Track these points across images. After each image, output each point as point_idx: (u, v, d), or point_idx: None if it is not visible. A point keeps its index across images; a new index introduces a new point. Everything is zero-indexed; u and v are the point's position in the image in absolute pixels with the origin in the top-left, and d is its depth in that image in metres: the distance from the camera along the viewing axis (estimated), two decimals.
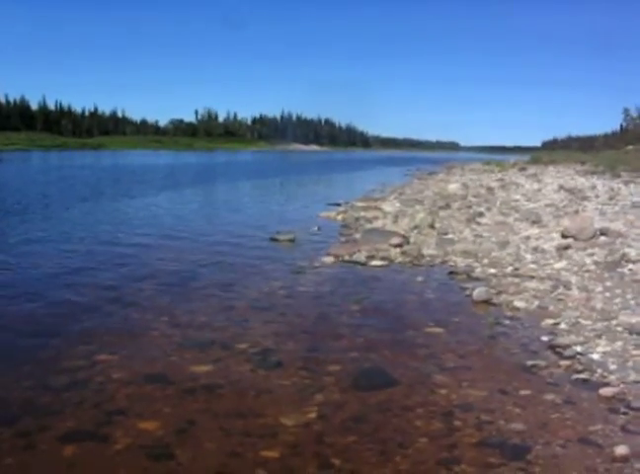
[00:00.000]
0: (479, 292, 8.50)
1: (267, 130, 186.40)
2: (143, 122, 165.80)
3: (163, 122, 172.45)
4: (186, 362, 6.16)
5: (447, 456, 4.35)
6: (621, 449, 4.31)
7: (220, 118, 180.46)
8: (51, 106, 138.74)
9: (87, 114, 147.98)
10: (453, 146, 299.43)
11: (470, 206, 18.19)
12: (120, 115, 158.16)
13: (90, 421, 4.87)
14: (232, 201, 24.35)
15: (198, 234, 14.61)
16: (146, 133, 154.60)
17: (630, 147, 69.43)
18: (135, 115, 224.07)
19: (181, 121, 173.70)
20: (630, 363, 5.89)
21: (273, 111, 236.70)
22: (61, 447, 4.45)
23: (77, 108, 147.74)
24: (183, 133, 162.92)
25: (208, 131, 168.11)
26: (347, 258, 11.30)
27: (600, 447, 4.43)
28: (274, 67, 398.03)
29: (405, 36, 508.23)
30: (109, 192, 26.24)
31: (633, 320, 6.97)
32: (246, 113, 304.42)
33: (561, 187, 23.65)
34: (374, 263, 10.97)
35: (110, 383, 5.63)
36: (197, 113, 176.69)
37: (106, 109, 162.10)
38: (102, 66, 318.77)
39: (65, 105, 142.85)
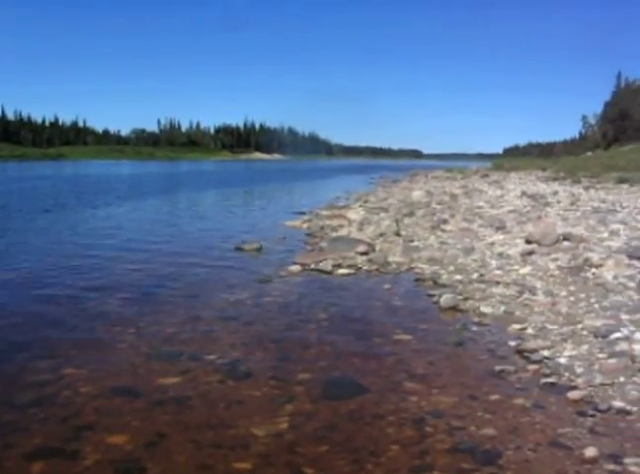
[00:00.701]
0: (446, 299, 8.55)
1: (230, 140, 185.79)
2: (105, 132, 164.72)
3: (125, 132, 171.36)
4: (154, 375, 6.08)
5: (420, 463, 4.36)
6: (590, 451, 4.37)
7: (183, 128, 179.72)
8: (10, 116, 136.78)
9: (47, 124, 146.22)
10: (416, 154, 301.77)
11: (434, 213, 18.30)
12: (81, 124, 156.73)
13: (58, 437, 4.78)
14: (196, 211, 24.20)
15: (162, 244, 14.47)
16: (108, 143, 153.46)
17: (589, 153, 70.73)
18: (97, 124, 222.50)
19: (143, 131, 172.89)
20: (596, 367, 5.96)
21: (236, 120, 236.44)
22: (29, 465, 4.36)
23: (37, 118, 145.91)
24: (145, 143, 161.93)
25: (171, 141, 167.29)
26: (313, 266, 11.29)
27: (570, 450, 4.47)
28: (235, 75, 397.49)
29: (366, 43, 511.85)
30: (71, 202, 25.91)
31: (598, 323, 7.07)
32: (209, 122, 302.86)
33: (523, 193, 23.94)
34: (341, 271, 10.98)
35: (77, 397, 5.54)
36: (159, 122, 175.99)
37: (67, 119, 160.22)
38: (62, 76, 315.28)
39: (25, 115, 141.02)
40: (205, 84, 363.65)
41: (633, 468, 4.18)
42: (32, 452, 4.53)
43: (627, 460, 4.28)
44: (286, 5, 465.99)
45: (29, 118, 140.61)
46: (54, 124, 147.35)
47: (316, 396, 5.59)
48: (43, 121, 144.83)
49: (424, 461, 4.39)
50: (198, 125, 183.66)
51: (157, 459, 4.43)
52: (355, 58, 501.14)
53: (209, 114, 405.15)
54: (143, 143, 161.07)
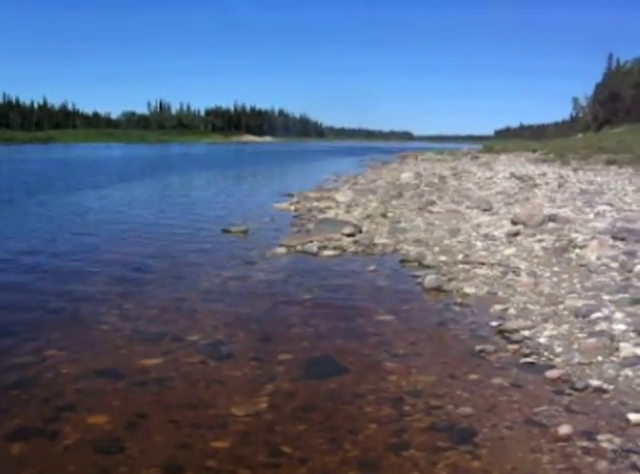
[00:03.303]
0: (430, 280, 8.58)
1: (220, 122, 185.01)
2: (95, 115, 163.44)
3: (115, 115, 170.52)
4: (136, 356, 6.10)
5: (397, 442, 4.41)
6: (564, 429, 4.43)
7: (173, 110, 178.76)
8: None
9: (36, 107, 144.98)
10: (407, 136, 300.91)
11: (422, 195, 18.35)
12: (70, 107, 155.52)
13: (39, 417, 4.80)
14: (185, 194, 24.15)
15: (150, 226, 14.45)
16: (98, 126, 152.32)
17: (579, 135, 70.88)
18: (86, 107, 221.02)
19: (133, 114, 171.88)
20: (575, 346, 6.02)
21: (226, 102, 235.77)
22: (9, 445, 4.39)
23: (25, 101, 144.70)
24: (135, 126, 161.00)
25: (161, 123, 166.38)
26: (299, 248, 11.30)
27: (545, 428, 4.53)
28: (226, 58, 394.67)
29: (359, 25, 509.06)
30: (61, 185, 25.75)
31: (579, 303, 7.12)
32: (199, 104, 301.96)
33: (512, 175, 24.01)
34: (326, 253, 11.00)
35: (59, 379, 5.57)
36: (149, 104, 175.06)
37: (56, 102, 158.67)
38: (51, 59, 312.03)
39: (13, 98, 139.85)
40: (196, 66, 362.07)
41: (605, 444, 4.24)
42: (12, 433, 4.55)
43: (600, 437, 4.34)
44: None
45: (17, 100, 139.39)
46: (43, 107, 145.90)
47: (296, 376, 5.62)
48: (32, 104, 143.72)
49: (401, 439, 4.43)
50: (188, 108, 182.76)
51: (136, 439, 4.46)
52: (346, 41, 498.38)
53: (200, 96, 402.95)
54: (133, 126, 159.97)
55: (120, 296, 8.21)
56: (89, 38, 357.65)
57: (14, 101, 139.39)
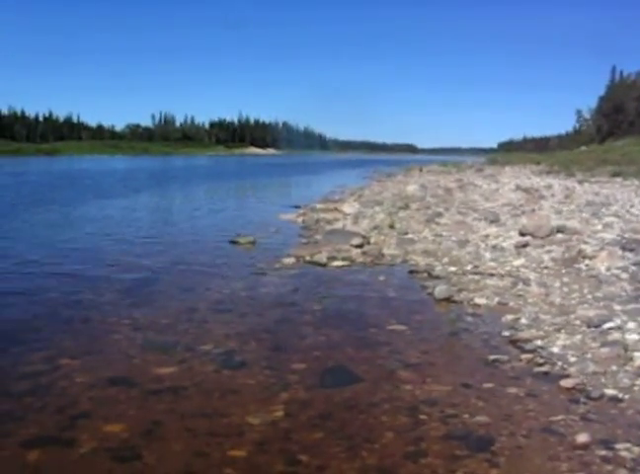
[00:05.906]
0: (440, 290, 8.58)
1: (224, 134, 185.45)
2: (99, 127, 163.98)
3: (119, 127, 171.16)
4: (149, 365, 6.10)
5: (414, 450, 4.39)
6: (582, 437, 4.42)
7: (177, 123, 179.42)
8: (4, 110, 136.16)
9: (41, 118, 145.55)
10: (411, 148, 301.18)
11: (429, 207, 18.34)
12: (75, 119, 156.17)
13: (54, 425, 4.79)
14: (191, 206, 24.16)
15: (157, 238, 14.50)
16: (102, 138, 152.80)
17: (583, 148, 70.90)
18: (91, 119, 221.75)
19: (137, 126, 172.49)
20: (589, 355, 6.01)
21: (231, 114, 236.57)
22: (25, 453, 4.37)
23: (31, 113, 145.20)
24: (139, 138, 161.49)
25: (165, 136, 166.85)
26: (308, 259, 11.30)
27: (562, 436, 4.52)
28: (230, 70, 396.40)
29: (362, 37, 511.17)
30: (65, 197, 25.80)
31: (590, 313, 7.11)
32: (204, 117, 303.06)
33: (518, 186, 24.02)
34: (336, 263, 11.00)
35: (73, 387, 5.55)
36: (153, 117, 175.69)
37: (60, 114, 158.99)
38: (56, 71, 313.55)
39: (18, 109, 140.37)
40: (200, 79, 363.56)
41: (624, 453, 4.23)
42: (28, 441, 4.53)
43: (618, 446, 4.33)
44: (283, 1, 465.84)
45: (22, 112, 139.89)
46: (48, 119, 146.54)
47: (311, 385, 5.62)
48: (37, 116, 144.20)
49: (418, 448, 4.42)
50: (192, 120, 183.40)
51: (153, 447, 4.46)
52: (350, 54, 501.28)
53: (204, 108, 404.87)
54: (138, 138, 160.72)
55: (130, 306, 8.23)
56: (94, 50, 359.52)
57: (19, 113, 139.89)
